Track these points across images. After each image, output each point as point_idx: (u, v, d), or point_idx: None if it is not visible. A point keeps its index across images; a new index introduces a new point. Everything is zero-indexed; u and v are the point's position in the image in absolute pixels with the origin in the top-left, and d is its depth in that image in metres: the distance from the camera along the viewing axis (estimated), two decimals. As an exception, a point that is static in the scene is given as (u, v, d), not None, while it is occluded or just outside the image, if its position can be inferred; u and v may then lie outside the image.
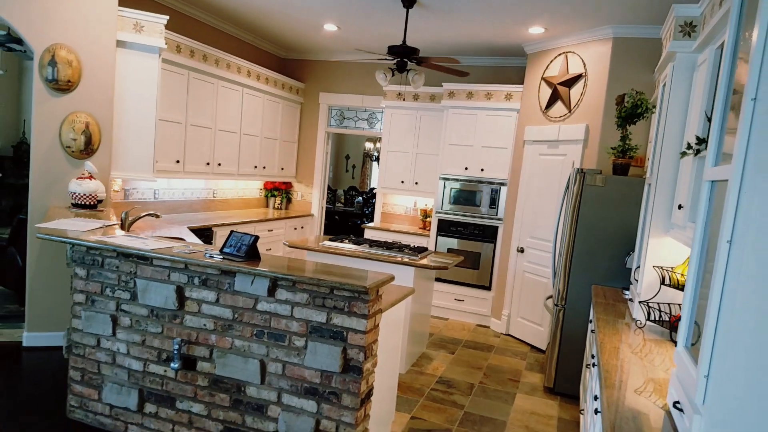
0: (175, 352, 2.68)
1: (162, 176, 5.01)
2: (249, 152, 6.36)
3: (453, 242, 6.16)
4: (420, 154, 6.57)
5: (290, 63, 7.47)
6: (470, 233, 6.10)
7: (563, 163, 5.19)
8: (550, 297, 4.70)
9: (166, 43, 4.53)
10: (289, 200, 7.71)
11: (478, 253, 6.07)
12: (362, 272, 2.61)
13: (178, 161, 5.16)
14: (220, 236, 5.43)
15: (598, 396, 2.09)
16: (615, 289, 3.92)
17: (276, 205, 7.51)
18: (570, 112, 5.19)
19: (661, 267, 2.78)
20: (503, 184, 5.93)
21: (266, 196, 7.54)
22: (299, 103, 7.42)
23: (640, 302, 2.81)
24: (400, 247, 4.66)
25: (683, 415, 1.53)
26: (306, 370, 2.51)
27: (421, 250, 4.62)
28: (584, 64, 5.07)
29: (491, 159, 5.97)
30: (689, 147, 2.43)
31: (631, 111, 4.03)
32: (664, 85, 3.15)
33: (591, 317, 3.64)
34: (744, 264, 1.29)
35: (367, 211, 10.44)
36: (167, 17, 4.40)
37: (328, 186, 11.88)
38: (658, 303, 2.77)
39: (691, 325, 1.68)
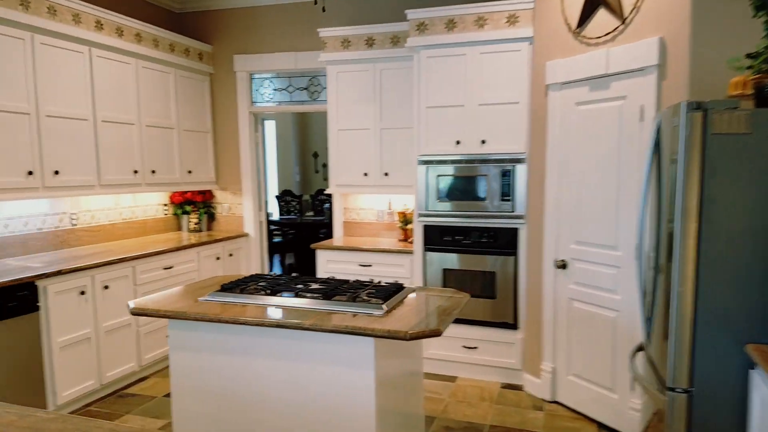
0: None
1: None
2: (120, 150, 4.31)
3: (450, 259, 4.14)
4: (387, 130, 4.55)
5: (188, 18, 5.42)
6: (475, 243, 4.07)
7: (622, 111, 3.18)
8: (641, 349, 2.69)
9: None
10: (211, 217, 5.66)
11: (491, 274, 4.04)
12: None
13: (-48, 174, 3.10)
14: (54, 292, 3.38)
15: None
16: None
17: (192, 226, 5.46)
18: (624, 23, 3.18)
19: None
20: (519, 160, 3.91)
21: (176, 214, 5.49)
22: (207, 74, 5.37)
23: None
24: (355, 290, 2.63)
25: None
26: None
27: (389, 292, 2.58)
28: (644, -65, 3.05)
29: (496, 123, 3.95)
30: None
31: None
32: None
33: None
34: None
35: (336, 220, 8.38)
36: None
37: (290, 192, 9.86)
38: None
39: None
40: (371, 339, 2.20)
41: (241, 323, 2.30)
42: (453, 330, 4.14)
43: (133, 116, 4.44)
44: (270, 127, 10.14)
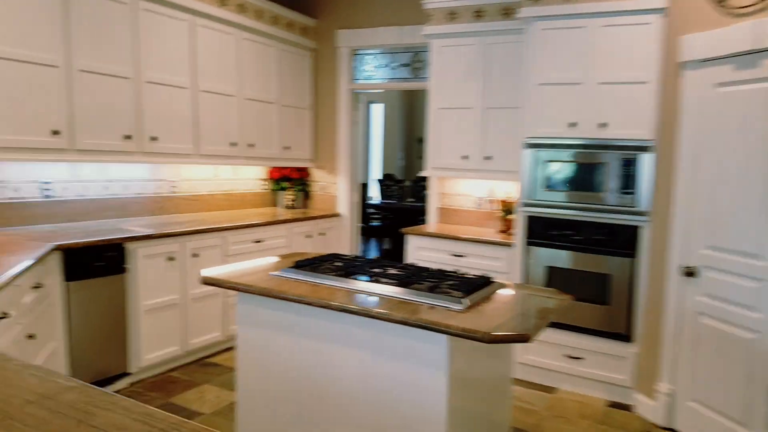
0: None
1: (21, 158, 3.13)
2: (218, 121, 4.38)
3: (556, 256, 3.74)
4: (491, 110, 4.22)
5: (296, -9, 5.40)
6: (588, 239, 3.64)
7: (782, 91, 2.62)
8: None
9: None
10: (306, 194, 5.67)
11: (604, 276, 3.60)
12: None
13: (57, 132, 3.26)
14: (143, 256, 3.48)
15: None
16: None
17: (287, 203, 5.50)
18: (794, -18, 2.60)
19: None
20: (645, 148, 3.42)
21: (273, 190, 5.56)
22: (310, 49, 5.34)
23: None
24: (436, 280, 2.39)
25: None
26: None
27: (474, 285, 2.31)
28: None
29: (618, 105, 3.48)
30: None
31: None
32: None
33: None
34: None
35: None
36: None
37: (391, 177, 9.77)
38: None
39: None
40: (445, 336, 1.95)
41: (305, 303, 2.15)
42: (555, 336, 3.76)
43: (233, 88, 4.49)
44: (378, 110, 10.11)
